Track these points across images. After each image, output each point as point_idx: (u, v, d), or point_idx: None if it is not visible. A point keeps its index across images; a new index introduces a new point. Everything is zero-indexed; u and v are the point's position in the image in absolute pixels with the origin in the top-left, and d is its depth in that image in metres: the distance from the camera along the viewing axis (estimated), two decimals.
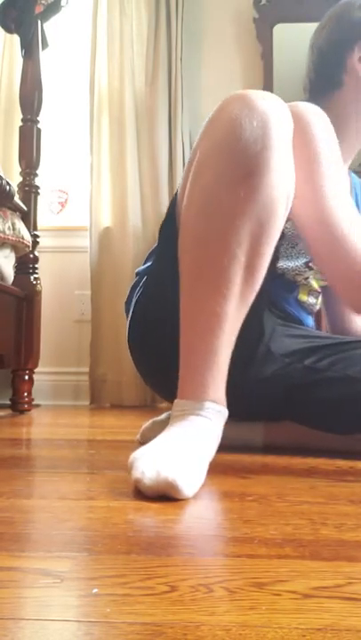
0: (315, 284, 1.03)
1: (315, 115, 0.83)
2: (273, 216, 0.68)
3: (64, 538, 0.50)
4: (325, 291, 1.10)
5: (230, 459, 0.86)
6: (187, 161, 0.98)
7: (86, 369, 2.19)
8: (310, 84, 0.99)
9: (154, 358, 0.93)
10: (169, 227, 0.80)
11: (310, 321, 1.06)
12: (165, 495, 0.60)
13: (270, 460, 0.87)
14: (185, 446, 0.65)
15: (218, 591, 0.38)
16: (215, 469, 0.74)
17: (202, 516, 0.57)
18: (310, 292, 1.03)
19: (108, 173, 2.22)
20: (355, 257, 0.80)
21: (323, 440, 0.92)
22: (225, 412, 0.72)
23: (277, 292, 0.97)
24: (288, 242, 0.96)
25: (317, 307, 1.06)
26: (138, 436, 1.02)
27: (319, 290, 1.05)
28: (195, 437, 0.67)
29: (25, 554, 0.46)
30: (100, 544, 0.48)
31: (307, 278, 1.00)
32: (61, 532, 0.51)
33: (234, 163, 0.65)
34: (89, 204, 2.21)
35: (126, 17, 2.25)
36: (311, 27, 1.02)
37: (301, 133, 0.77)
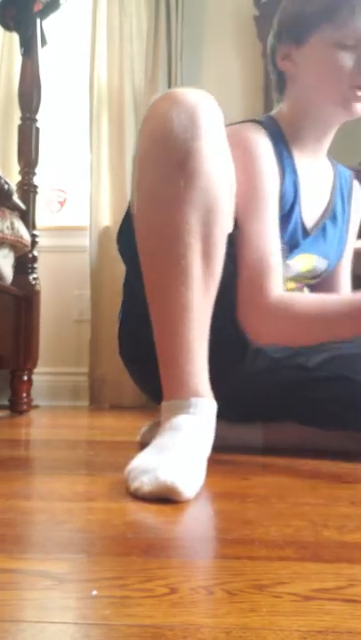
0: (289, 285, 1.01)
1: (260, 146, 0.87)
2: (217, 202, 0.70)
3: (63, 539, 0.49)
4: (316, 289, 1.09)
5: (230, 460, 0.86)
6: None
7: (85, 369, 2.19)
8: (272, 82, 1.01)
9: (142, 368, 0.93)
10: (125, 235, 0.81)
11: None
12: (166, 499, 0.59)
13: (271, 461, 0.87)
14: (179, 448, 0.65)
15: (218, 593, 0.38)
16: (215, 470, 0.74)
17: (202, 518, 0.57)
18: (295, 289, 1.02)
19: (108, 172, 2.22)
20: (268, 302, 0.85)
21: (323, 441, 0.92)
22: (212, 404, 0.72)
23: None
24: None
25: None
26: (138, 438, 1.02)
27: (300, 285, 1.03)
28: (187, 437, 0.67)
29: (24, 556, 0.46)
30: (99, 546, 0.48)
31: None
32: (60, 533, 0.51)
33: (169, 155, 0.67)
34: (88, 203, 2.21)
35: (126, 15, 2.24)
36: None
37: (247, 165, 0.82)
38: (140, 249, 0.73)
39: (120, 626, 0.33)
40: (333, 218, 1.02)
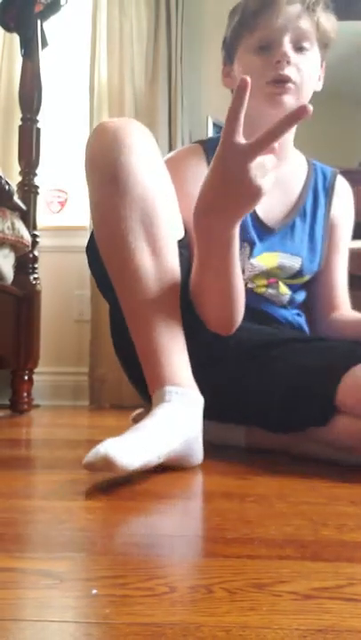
0: (261, 281, 0.99)
1: (182, 165, 0.95)
2: (155, 206, 0.76)
3: (63, 538, 0.49)
4: (310, 290, 1.08)
5: (230, 459, 0.86)
6: None
7: (86, 369, 2.19)
8: None
9: (133, 370, 0.95)
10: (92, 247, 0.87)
11: (284, 312, 1.02)
12: (105, 470, 0.63)
13: (270, 460, 0.87)
14: (136, 430, 0.69)
15: (218, 592, 0.38)
16: (215, 470, 0.74)
17: (202, 517, 0.57)
18: (268, 285, 1.00)
19: None
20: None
21: (303, 445, 0.91)
22: (191, 392, 0.75)
23: None
24: None
25: (286, 297, 1.01)
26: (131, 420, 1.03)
27: (273, 281, 1.01)
28: (152, 422, 0.71)
29: (24, 555, 0.46)
30: (99, 545, 0.48)
31: (246, 284, 0.98)
32: (61, 532, 0.51)
33: (101, 174, 0.76)
34: (89, 204, 2.21)
35: (126, 16, 2.25)
36: None
37: (174, 182, 0.87)
38: (105, 263, 0.80)
39: (120, 624, 0.33)
40: (303, 215, 1.01)
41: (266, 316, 0.99)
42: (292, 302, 1.03)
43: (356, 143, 1.95)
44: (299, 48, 0.90)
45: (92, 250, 0.86)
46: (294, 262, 1.00)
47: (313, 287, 1.08)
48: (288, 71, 0.89)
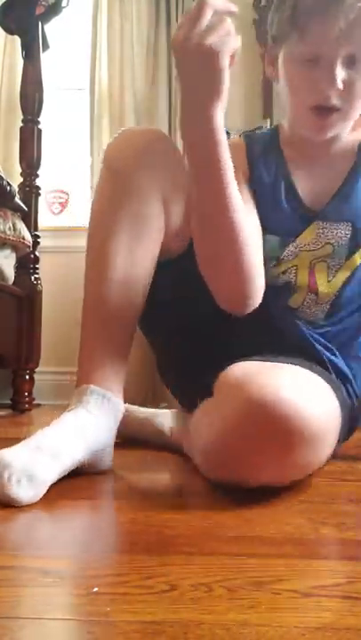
0: (303, 276, 0.84)
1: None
2: (145, 216, 0.83)
3: (64, 537, 0.50)
4: None
5: None
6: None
7: None
8: None
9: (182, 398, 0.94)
10: None
11: (311, 332, 0.82)
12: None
13: None
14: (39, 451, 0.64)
15: (218, 590, 0.38)
16: None
17: (201, 515, 0.57)
18: (304, 294, 0.84)
19: None
20: None
21: None
22: (107, 395, 0.73)
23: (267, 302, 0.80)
24: None
25: (327, 301, 0.83)
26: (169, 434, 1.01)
27: (311, 281, 0.83)
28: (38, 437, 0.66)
29: (25, 553, 0.46)
30: (99, 543, 0.48)
31: (283, 280, 0.84)
32: (62, 530, 0.52)
33: (108, 170, 0.87)
34: (89, 205, 2.21)
35: (126, 18, 2.25)
36: None
37: None
38: (87, 250, 0.94)
39: (121, 622, 0.34)
40: (356, 177, 0.86)
41: (285, 335, 0.81)
42: (334, 312, 0.83)
43: None
44: (354, 62, 0.74)
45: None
46: (339, 228, 0.83)
47: None
48: (335, 100, 0.76)
